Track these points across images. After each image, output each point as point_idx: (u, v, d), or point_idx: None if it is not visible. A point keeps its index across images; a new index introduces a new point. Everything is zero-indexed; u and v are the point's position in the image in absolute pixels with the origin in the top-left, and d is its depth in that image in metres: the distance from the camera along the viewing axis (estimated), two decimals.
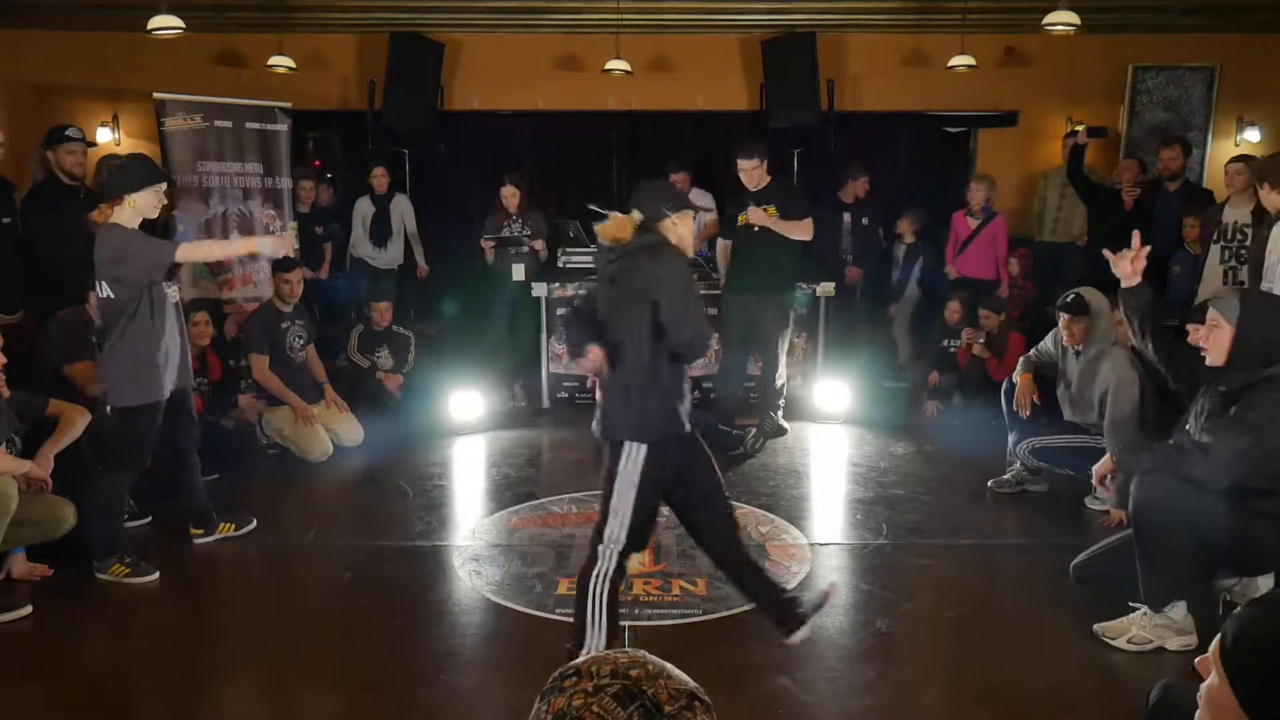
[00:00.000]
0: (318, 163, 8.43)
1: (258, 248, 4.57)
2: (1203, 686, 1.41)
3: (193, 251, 4.20)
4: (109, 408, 4.02)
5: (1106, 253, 3.51)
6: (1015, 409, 4.73)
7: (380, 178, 7.54)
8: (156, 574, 4.02)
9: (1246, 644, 1.36)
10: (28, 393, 4.12)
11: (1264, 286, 4.76)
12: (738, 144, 5.86)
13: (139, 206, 3.89)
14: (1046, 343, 4.85)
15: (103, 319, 4.03)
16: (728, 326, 6.07)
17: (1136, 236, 3.48)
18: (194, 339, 5.52)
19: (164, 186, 4.01)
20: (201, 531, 4.41)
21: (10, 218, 5.47)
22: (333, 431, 5.75)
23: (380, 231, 7.56)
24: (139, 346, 3.90)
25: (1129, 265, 3.44)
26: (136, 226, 3.91)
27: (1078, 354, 4.54)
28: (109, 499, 4.05)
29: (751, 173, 5.73)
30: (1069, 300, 4.52)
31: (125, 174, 3.97)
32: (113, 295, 3.88)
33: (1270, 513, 3.25)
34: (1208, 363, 3.37)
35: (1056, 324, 4.76)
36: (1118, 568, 3.51)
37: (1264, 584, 3.46)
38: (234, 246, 5.14)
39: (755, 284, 5.82)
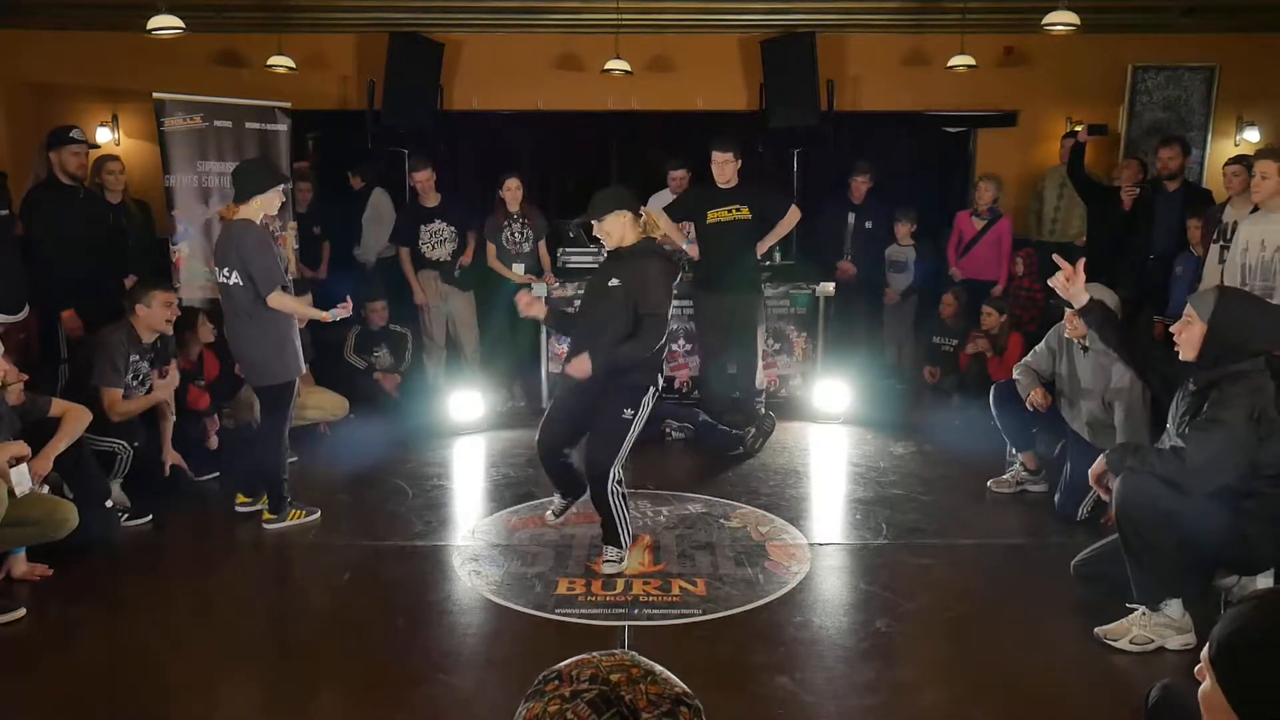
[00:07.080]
0: (305, 163, 8.40)
1: (330, 317, 4.64)
2: (1200, 690, 1.42)
3: (281, 300, 4.39)
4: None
5: (1051, 282, 3.59)
6: (1032, 408, 4.73)
7: (356, 179, 7.70)
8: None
9: (1230, 644, 1.37)
10: (31, 393, 4.14)
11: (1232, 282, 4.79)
12: (714, 137, 5.80)
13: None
14: (1042, 346, 4.85)
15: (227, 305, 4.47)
16: (703, 326, 6.02)
17: (1066, 267, 3.55)
18: (197, 339, 5.56)
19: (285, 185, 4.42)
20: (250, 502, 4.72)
21: (7, 209, 5.45)
22: (319, 408, 5.81)
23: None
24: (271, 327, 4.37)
25: (1064, 286, 3.54)
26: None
27: (1085, 349, 4.56)
28: (271, 470, 4.53)
29: (725, 166, 5.68)
30: None
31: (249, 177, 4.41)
32: (241, 283, 4.31)
33: (1255, 510, 3.24)
34: (1180, 357, 3.36)
35: (1056, 324, 4.77)
36: (1119, 566, 3.50)
37: (1263, 583, 3.44)
38: (308, 313, 4.90)
39: (728, 282, 5.78)
